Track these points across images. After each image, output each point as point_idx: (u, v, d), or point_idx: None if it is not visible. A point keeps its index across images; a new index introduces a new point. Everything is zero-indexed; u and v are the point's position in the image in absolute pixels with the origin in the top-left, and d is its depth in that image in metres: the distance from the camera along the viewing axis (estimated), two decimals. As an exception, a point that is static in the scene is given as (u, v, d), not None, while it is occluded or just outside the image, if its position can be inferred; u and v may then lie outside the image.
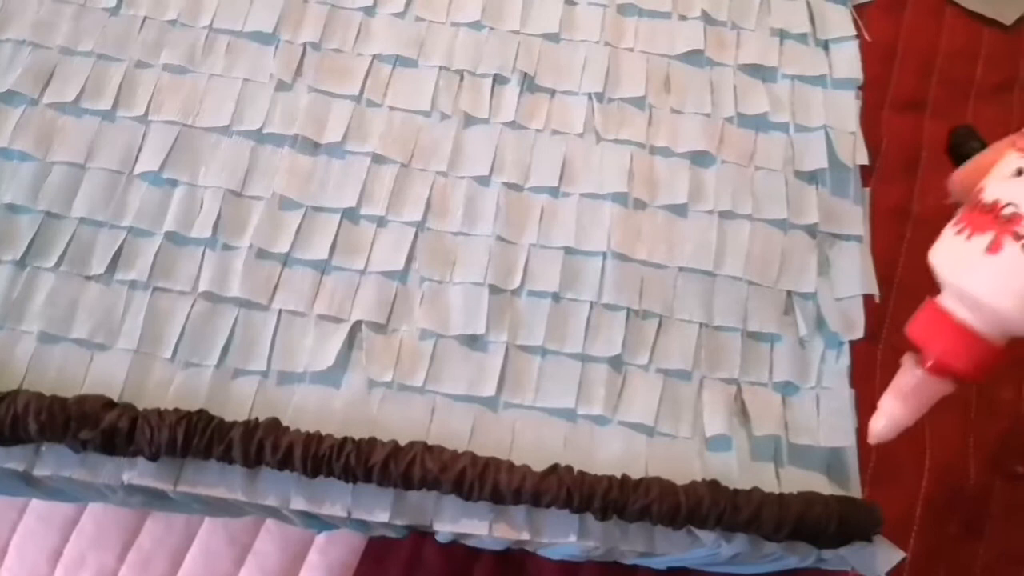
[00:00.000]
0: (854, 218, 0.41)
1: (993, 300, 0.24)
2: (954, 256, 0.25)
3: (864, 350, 0.40)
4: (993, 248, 0.24)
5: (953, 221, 0.26)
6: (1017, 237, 0.23)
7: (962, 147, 0.46)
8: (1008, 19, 0.58)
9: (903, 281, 0.51)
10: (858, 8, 0.47)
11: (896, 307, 0.49)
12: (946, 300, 0.25)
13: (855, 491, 0.37)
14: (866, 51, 0.46)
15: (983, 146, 0.47)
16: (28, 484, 0.37)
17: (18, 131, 0.39)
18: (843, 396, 0.38)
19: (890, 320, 0.50)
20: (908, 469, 0.48)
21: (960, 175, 0.28)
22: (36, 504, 0.45)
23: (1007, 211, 0.24)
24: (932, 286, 0.44)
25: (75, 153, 0.39)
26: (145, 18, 0.42)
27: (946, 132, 0.48)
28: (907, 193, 0.54)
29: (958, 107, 0.56)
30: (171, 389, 0.36)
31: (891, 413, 0.29)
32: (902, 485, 0.47)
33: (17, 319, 0.37)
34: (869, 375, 0.41)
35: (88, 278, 0.37)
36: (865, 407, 0.40)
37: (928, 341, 0.26)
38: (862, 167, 0.42)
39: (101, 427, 0.34)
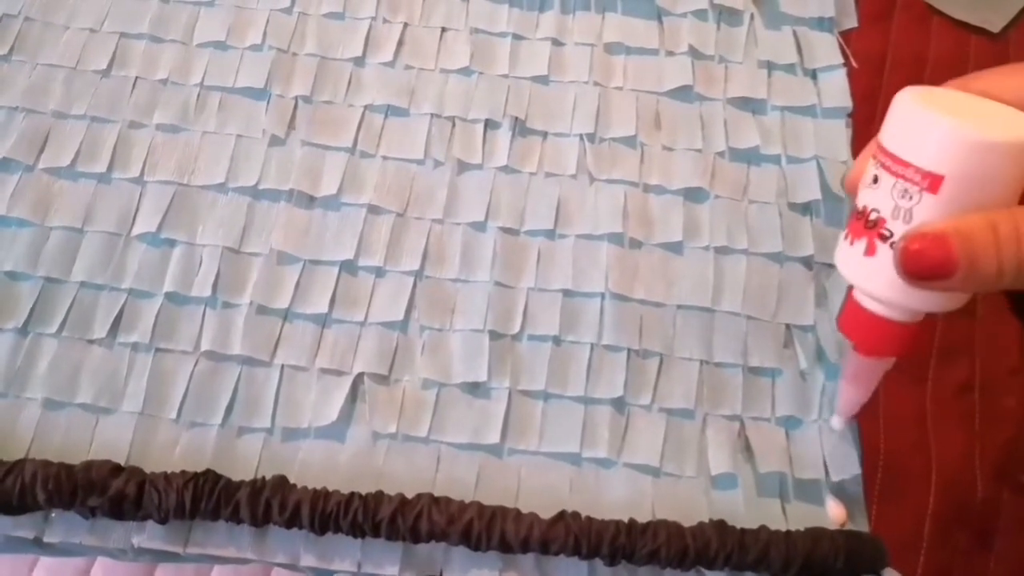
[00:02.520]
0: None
1: (883, 293, 0.27)
2: (846, 260, 0.28)
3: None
4: (869, 252, 0.27)
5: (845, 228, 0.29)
6: (884, 239, 0.26)
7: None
8: (995, 27, 0.58)
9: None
10: (843, 34, 0.47)
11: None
12: (856, 295, 0.29)
13: (861, 523, 0.37)
14: (856, 63, 0.47)
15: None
16: (38, 545, 0.37)
17: (15, 198, 0.40)
18: (845, 428, 0.38)
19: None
20: (915, 485, 0.48)
21: (848, 181, 0.30)
22: (46, 560, 0.45)
23: (872, 216, 0.27)
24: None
25: (73, 217, 0.39)
26: (136, 78, 0.43)
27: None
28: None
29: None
30: (177, 450, 0.36)
31: (846, 396, 0.33)
32: (910, 502, 0.47)
33: (21, 387, 0.37)
34: (872, 391, 0.42)
35: (90, 342, 0.38)
36: (870, 422, 0.40)
37: (851, 332, 0.29)
38: None
39: (109, 494, 0.34)
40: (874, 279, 0.27)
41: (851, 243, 0.28)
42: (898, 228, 0.26)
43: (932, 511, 0.47)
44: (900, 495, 0.47)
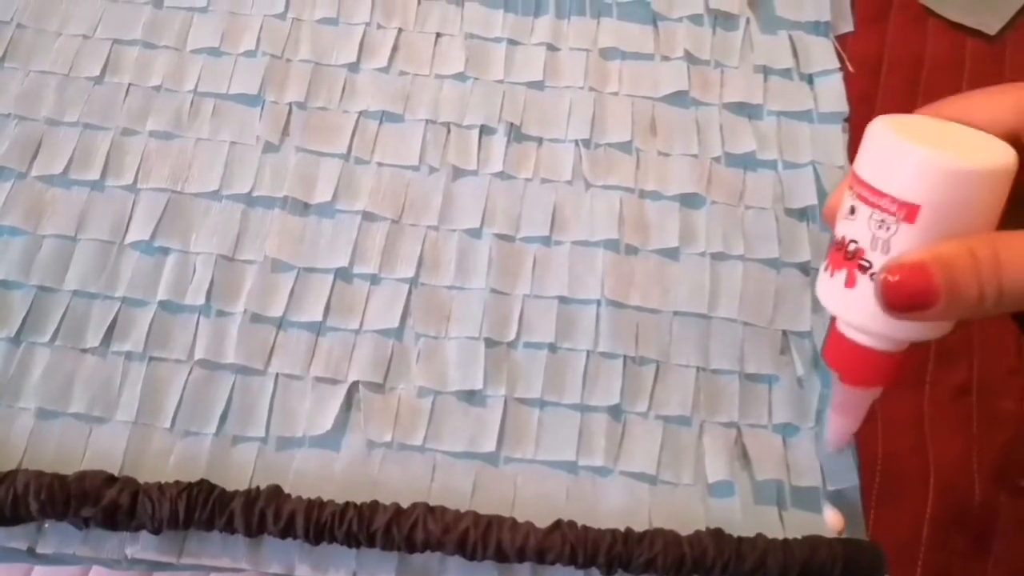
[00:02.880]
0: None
1: (865, 324, 0.27)
2: (828, 292, 0.28)
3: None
4: (849, 283, 0.27)
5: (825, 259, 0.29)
6: (863, 270, 0.26)
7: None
8: (992, 29, 0.58)
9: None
10: (840, 38, 0.47)
11: (893, 325, 0.49)
12: (840, 326, 0.29)
13: (859, 531, 0.37)
14: (852, 66, 0.47)
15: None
16: (32, 556, 0.37)
17: (8, 206, 0.39)
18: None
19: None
20: (913, 489, 0.48)
21: (826, 212, 0.30)
22: (40, 570, 0.45)
23: (851, 247, 0.26)
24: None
25: (65, 225, 0.39)
26: (130, 85, 0.42)
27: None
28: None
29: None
30: (171, 459, 0.36)
31: (835, 426, 0.33)
32: (908, 505, 0.47)
33: (14, 396, 0.37)
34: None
35: (84, 351, 0.37)
36: (868, 426, 0.39)
37: (836, 363, 0.29)
38: None
39: (102, 504, 0.34)
40: (856, 310, 0.27)
41: (831, 274, 0.27)
42: (877, 259, 0.26)
43: (930, 514, 0.47)
44: (898, 499, 0.47)
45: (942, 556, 0.45)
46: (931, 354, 0.44)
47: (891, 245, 0.25)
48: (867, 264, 0.26)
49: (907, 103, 0.56)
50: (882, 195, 0.25)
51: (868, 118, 0.54)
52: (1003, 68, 0.58)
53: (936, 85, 0.57)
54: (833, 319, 0.29)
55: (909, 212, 0.25)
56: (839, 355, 0.29)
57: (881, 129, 0.26)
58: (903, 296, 0.25)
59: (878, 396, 0.30)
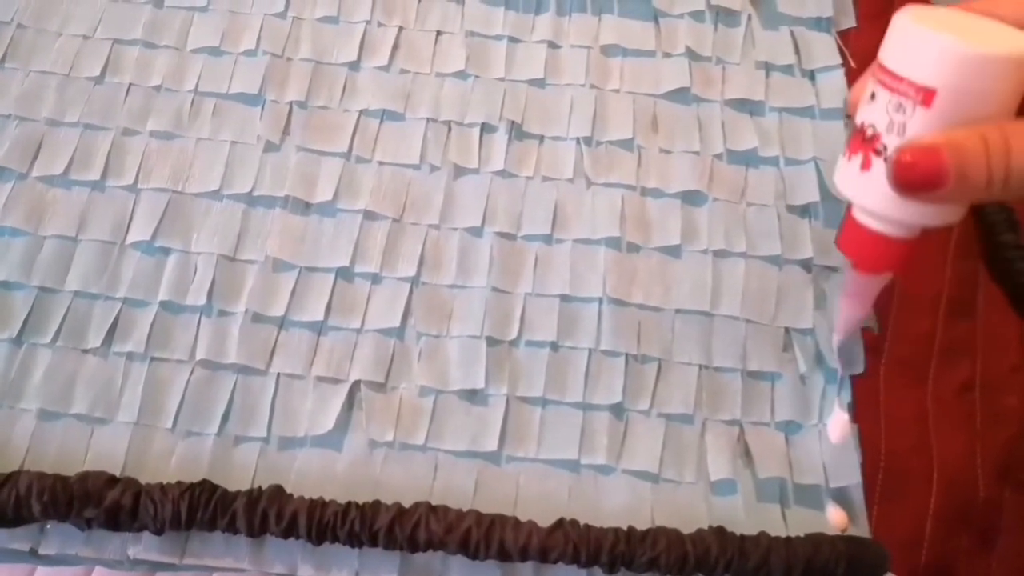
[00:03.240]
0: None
1: (878, 207, 0.28)
2: (845, 177, 0.29)
3: (867, 365, 0.40)
4: (865, 166, 0.28)
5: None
6: (878, 153, 0.27)
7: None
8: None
9: (903, 292, 0.51)
10: (842, 33, 0.47)
11: (897, 319, 0.49)
12: (855, 213, 0.29)
13: (862, 529, 0.37)
14: (854, 61, 0.46)
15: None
16: (34, 557, 0.37)
17: (8, 207, 0.39)
18: (845, 433, 0.38)
19: (891, 333, 0.50)
20: (916, 485, 0.47)
21: (850, 100, 0.31)
22: (42, 571, 0.45)
23: (869, 132, 0.27)
24: (933, 297, 0.45)
25: (66, 226, 0.39)
26: (130, 85, 0.42)
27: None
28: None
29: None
30: (173, 460, 0.36)
31: (845, 314, 0.34)
32: (911, 502, 0.47)
33: (16, 397, 0.37)
34: (873, 389, 0.41)
35: (85, 352, 0.37)
36: (871, 423, 0.40)
37: (850, 250, 0.30)
38: None
39: (104, 505, 0.34)
40: (870, 194, 0.28)
41: (848, 159, 0.28)
42: (892, 142, 0.26)
43: (933, 511, 0.46)
44: (901, 495, 0.47)
45: (945, 553, 0.45)
46: (934, 350, 0.43)
47: (907, 128, 0.26)
48: (883, 148, 0.27)
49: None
50: (901, 79, 0.26)
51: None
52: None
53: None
54: (849, 208, 0.30)
55: (926, 96, 0.25)
56: (853, 242, 0.30)
57: (905, 18, 0.26)
58: (914, 176, 0.26)
59: (887, 283, 0.32)
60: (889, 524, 0.40)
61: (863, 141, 0.28)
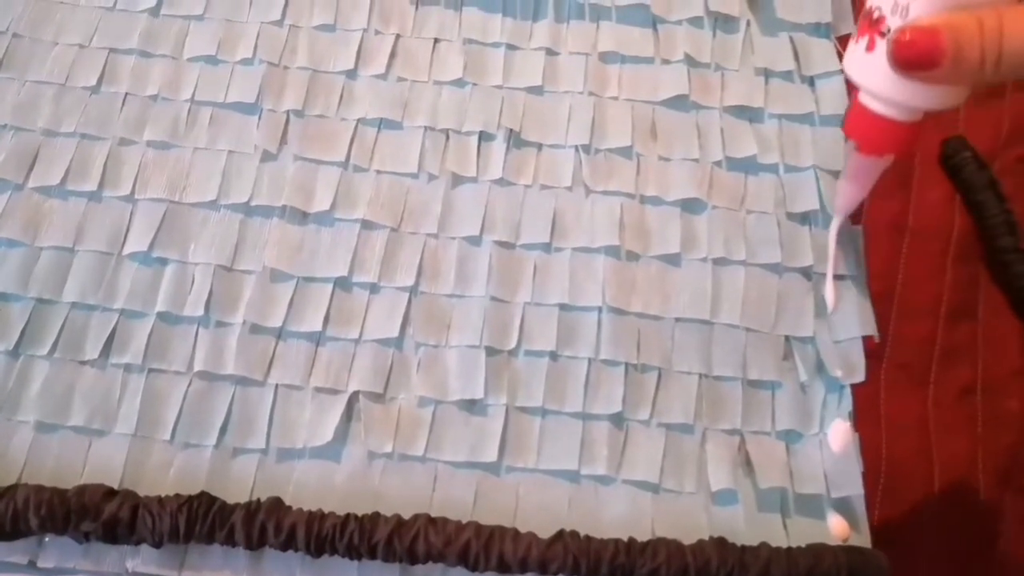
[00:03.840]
0: (849, 257, 0.41)
1: (881, 88, 0.30)
2: (852, 60, 0.30)
3: (868, 369, 0.40)
4: (870, 47, 0.29)
5: None
6: (883, 35, 0.29)
7: (954, 157, 0.46)
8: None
9: (903, 296, 0.51)
10: (841, 39, 0.46)
11: (898, 323, 0.49)
12: (861, 96, 0.31)
13: (864, 538, 0.37)
14: None
15: (974, 155, 0.47)
16: (33, 570, 0.37)
17: (5, 218, 0.39)
18: (847, 442, 0.38)
19: (892, 337, 0.50)
20: (917, 489, 0.47)
21: None
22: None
23: (875, 15, 0.29)
24: (933, 300, 0.45)
25: (63, 237, 0.39)
26: (126, 94, 0.42)
27: (938, 143, 0.48)
28: (903, 207, 0.53)
29: (949, 115, 0.56)
30: (171, 472, 0.36)
31: (845, 193, 0.36)
32: (912, 507, 0.47)
33: (13, 409, 0.37)
34: (873, 394, 0.41)
35: (83, 363, 0.37)
36: (872, 427, 0.40)
37: (854, 133, 0.32)
38: None
39: (102, 518, 0.33)
40: (873, 75, 0.29)
41: (856, 41, 0.30)
42: (895, 23, 0.28)
43: (935, 516, 0.46)
44: (902, 500, 0.47)
45: (947, 557, 0.45)
46: (935, 354, 0.43)
47: (909, 11, 0.28)
48: (887, 30, 0.28)
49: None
50: None
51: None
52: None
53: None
54: (855, 93, 0.31)
55: None
56: (858, 125, 0.31)
57: None
58: (911, 55, 0.27)
59: (888, 166, 0.33)
60: (890, 529, 0.40)
61: (870, 24, 0.29)
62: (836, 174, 0.42)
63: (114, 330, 0.38)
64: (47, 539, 0.35)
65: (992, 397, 0.47)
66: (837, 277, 0.41)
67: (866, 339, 0.40)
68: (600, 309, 0.39)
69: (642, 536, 0.35)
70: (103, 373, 0.37)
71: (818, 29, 0.46)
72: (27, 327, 0.38)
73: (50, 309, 0.38)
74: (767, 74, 0.44)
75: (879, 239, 0.48)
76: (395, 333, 0.38)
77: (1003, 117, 0.57)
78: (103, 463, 0.36)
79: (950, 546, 0.45)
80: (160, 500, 0.34)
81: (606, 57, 0.44)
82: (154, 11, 0.44)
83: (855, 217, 0.43)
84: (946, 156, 0.48)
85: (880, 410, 0.41)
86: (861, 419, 0.39)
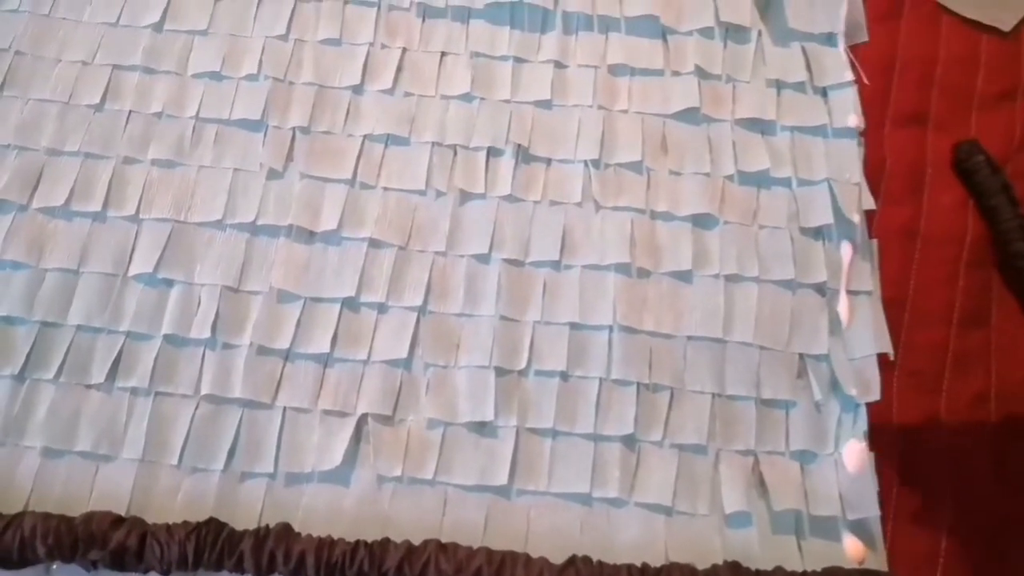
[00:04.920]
0: (863, 272, 0.40)
1: None
2: None
3: (881, 377, 0.40)
4: None
5: None
6: None
7: (967, 162, 0.46)
8: (1006, 25, 0.57)
9: (915, 303, 0.50)
10: (853, 48, 0.46)
11: (910, 330, 0.48)
12: None
13: (880, 560, 0.36)
14: (864, 64, 0.46)
15: (988, 160, 0.46)
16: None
17: (9, 239, 0.39)
18: (862, 462, 0.37)
19: (904, 345, 0.49)
20: (932, 499, 0.47)
21: None
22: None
23: None
24: (945, 307, 0.44)
25: (68, 258, 0.39)
26: (130, 112, 0.42)
27: (950, 146, 0.47)
28: (915, 213, 0.52)
29: (960, 119, 0.55)
30: (179, 496, 0.36)
31: None
32: (926, 518, 0.46)
33: (19, 435, 0.36)
34: (886, 401, 0.41)
35: (89, 387, 0.37)
36: (885, 436, 0.39)
37: None
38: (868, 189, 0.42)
39: (110, 547, 0.33)
40: None
41: None
42: None
43: (949, 526, 0.46)
44: (916, 511, 0.46)
45: (961, 568, 0.45)
46: (948, 360, 0.43)
47: None
48: None
49: (921, 101, 0.55)
50: None
51: (881, 120, 0.54)
52: (1019, 64, 0.57)
53: (951, 83, 0.56)
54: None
55: None
56: None
57: None
58: None
59: None
60: (904, 540, 0.39)
61: None
62: (849, 186, 0.41)
63: (120, 353, 0.37)
64: (55, 567, 0.34)
65: (1006, 403, 0.47)
66: (851, 293, 0.40)
67: (881, 356, 0.39)
68: (611, 328, 0.38)
69: (656, 560, 0.34)
70: (109, 397, 0.37)
71: (830, 39, 0.45)
72: (32, 351, 0.37)
73: (55, 332, 0.38)
74: (779, 85, 0.44)
75: (891, 245, 0.47)
76: (404, 354, 0.38)
77: (1016, 120, 0.56)
78: (110, 488, 0.36)
79: (964, 556, 0.45)
80: (168, 528, 0.34)
81: (615, 69, 0.44)
82: (157, 26, 0.44)
83: (870, 229, 0.42)
84: (959, 160, 0.47)
85: (893, 418, 0.41)
86: (874, 427, 0.39)
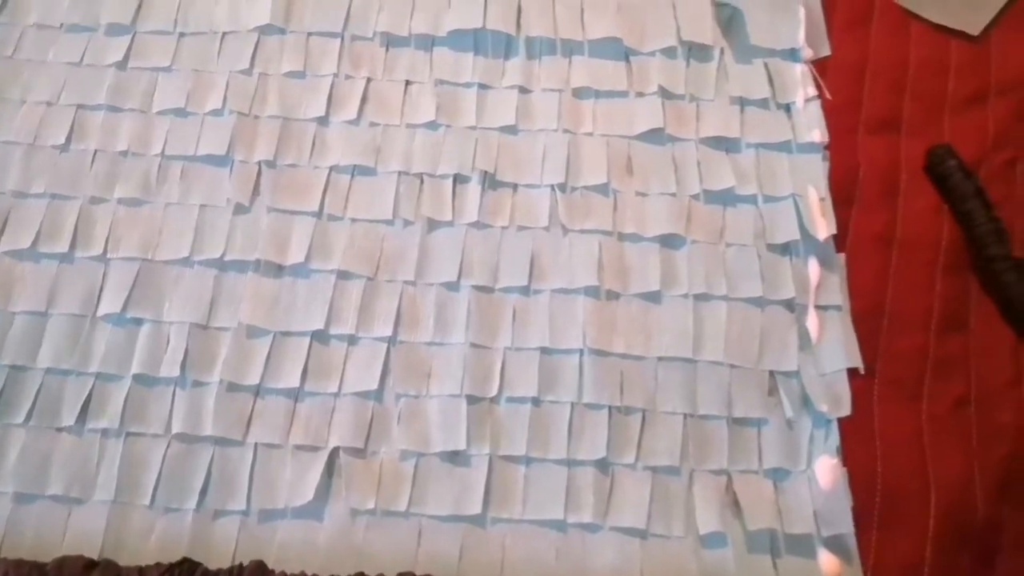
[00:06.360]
0: (832, 287, 0.41)
1: None
2: None
3: (860, 386, 0.40)
4: None
5: None
6: None
7: (940, 167, 0.46)
8: (975, 29, 0.57)
9: (893, 310, 0.50)
10: (816, 63, 0.46)
11: (888, 338, 0.48)
12: None
13: (857, 575, 0.36)
14: (835, 72, 0.46)
15: (960, 164, 0.46)
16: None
17: None
18: (835, 478, 0.37)
19: (883, 353, 0.49)
20: (914, 509, 0.47)
21: None
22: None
23: None
24: (923, 313, 0.44)
25: (36, 301, 0.39)
26: (96, 151, 0.42)
27: (923, 151, 0.47)
28: (890, 219, 0.53)
29: (933, 123, 0.55)
30: (152, 537, 0.36)
31: None
32: (909, 526, 0.46)
33: None
34: (867, 411, 0.41)
35: (59, 430, 0.37)
36: (866, 445, 0.39)
37: None
38: (841, 197, 0.42)
39: (82, 592, 0.33)
40: None
41: None
42: None
43: (933, 534, 0.46)
44: (900, 520, 0.46)
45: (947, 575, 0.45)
46: (928, 366, 0.43)
47: None
48: None
49: (893, 107, 0.55)
50: None
51: (854, 126, 0.54)
52: (989, 67, 0.57)
53: (922, 88, 0.56)
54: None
55: None
56: None
57: None
58: None
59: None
60: (888, 550, 0.39)
61: None
62: (815, 201, 0.42)
63: (90, 394, 0.37)
64: (29, 612, 0.34)
65: (986, 409, 0.47)
66: (820, 308, 0.40)
67: (851, 371, 0.40)
68: (582, 351, 0.38)
69: (632, 584, 0.34)
70: (80, 439, 0.37)
71: (792, 54, 0.45)
72: (1, 395, 0.37)
73: (25, 376, 0.38)
74: (743, 102, 0.44)
75: (866, 253, 0.47)
76: (375, 385, 0.38)
77: (988, 122, 0.57)
78: (83, 531, 0.36)
79: (949, 564, 0.45)
80: (140, 570, 0.34)
81: (580, 92, 0.44)
82: (121, 64, 0.44)
83: (839, 236, 0.43)
84: (932, 165, 0.47)
85: (874, 427, 0.41)
86: (854, 437, 0.39)
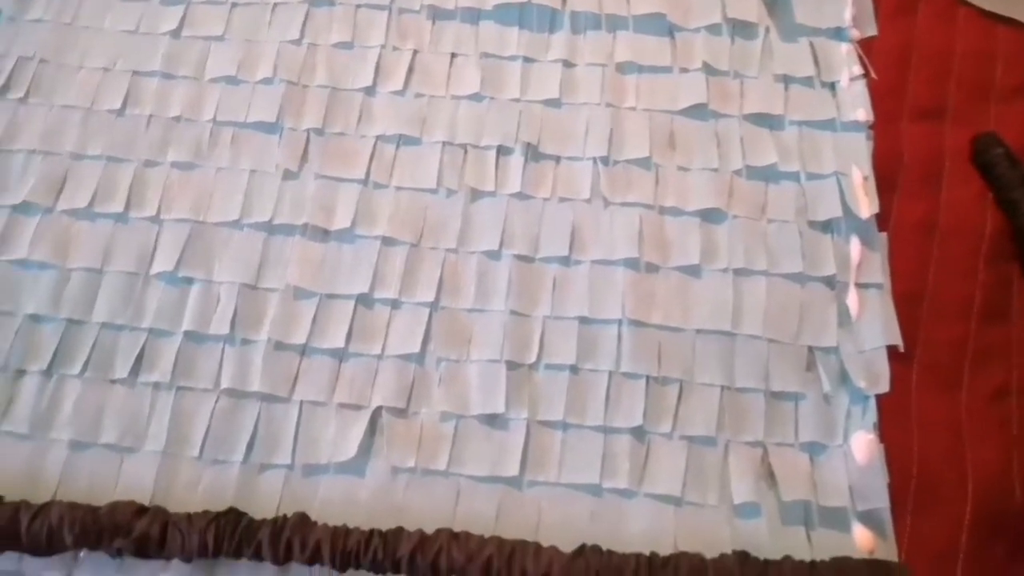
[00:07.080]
0: (873, 265, 0.41)
1: None
2: None
3: (898, 372, 0.40)
4: None
5: None
6: None
7: (986, 154, 0.46)
8: (1024, 16, 0.56)
9: (934, 297, 0.50)
10: (861, 43, 0.46)
11: (928, 325, 0.48)
12: None
13: (890, 551, 0.37)
14: (879, 58, 0.46)
15: (1007, 152, 0.46)
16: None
17: (35, 241, 0.40)
18: (872, 453, 0.37)
19: (923, 339, 0.49)
20: (950, 495, 0.47)
21: None
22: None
23: None
24: (964, 301, 0.44)
25: (92, 258, 0.40)
26: (151, 116, 0.43)
27: (968, 139, 0.47)
28: (933, 207, 0.52)
29: (979, 112, 0.54)
30: (200, 488, 0.37)
31: None
32: (945, 512, 0.46)
33: (47, 428, 0.38)
34: (904, 396, 0.41)
35: (113, 382, 0.38)
36: (903, 431, 0.39)
37: None
38: (884, 183, 0.42)
39: (133, 535, 0.34)
40: None
41: None
42: None
43: (969, 521, 0.45)
44: (935, 506, 0.46)
45: (981, 564, 0.44)
46: (967, 356, 0.43)
47: None
48: None
49: (938, 94, 0.55)
50: None
51: (897, 113, 0.54)
52: (1037, 57, 0.57)
53: (968, 76, 0.55)
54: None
55: None
56: None
57: None
58: None
59: None
60: (923, 536, 0.39)
61: None
62: (858, 179, 0.42)
63: (143, 349, 0.39)
64: (82, 554, 0.36)
65: (1025, 399, 0.47)
66: (860, 286, 0.40)
67: (891, 348, 0.40)
68: (620, 322, 0.39)
69: (665, 550, 0.35)
70: (132, 391, 0.38)
71: (839, 33, 0.45)
72: (59, 347, 0.39)
73: (80, 329, 0.39)
74: (787, 80, 0.44)
75: (908, 240, 0.47)
76: (416, 348, 0.39)
77: (1034, 112, 0.56)
78: (134, 480, 0.37)
79: (984, 552, 0.45)
80: (189, 517, 0.35)
81: (623, 67, 0.44)
82: (175, 33, 0.45)
83: (880, 222, 0.42)
84: (977, 153, 0.47)
85: (911, 413, 0.41)
86: (892, 422, 0.39)
